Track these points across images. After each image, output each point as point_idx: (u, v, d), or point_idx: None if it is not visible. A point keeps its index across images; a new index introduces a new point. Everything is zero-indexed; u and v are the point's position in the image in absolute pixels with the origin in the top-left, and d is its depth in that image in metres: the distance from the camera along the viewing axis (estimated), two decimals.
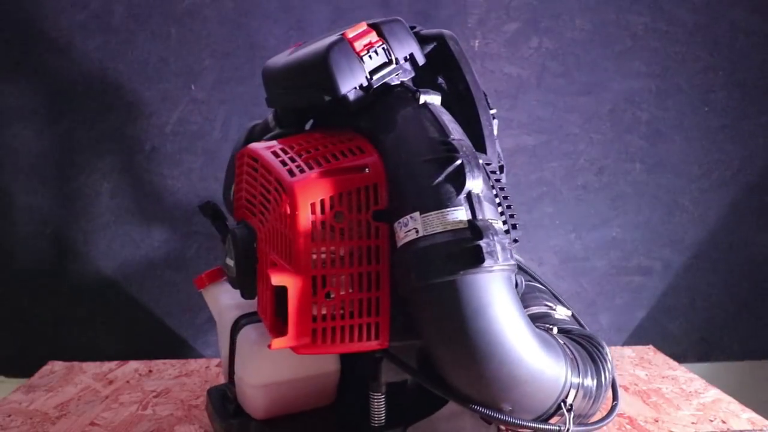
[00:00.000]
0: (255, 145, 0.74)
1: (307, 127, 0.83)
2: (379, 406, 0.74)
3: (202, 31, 1.23)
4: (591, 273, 1.32)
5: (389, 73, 0.71)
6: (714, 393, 1.01)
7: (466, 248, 0.61)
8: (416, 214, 0.63)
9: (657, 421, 0.91)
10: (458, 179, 0.63)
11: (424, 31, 0.79)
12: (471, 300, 0.61)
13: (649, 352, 1.23)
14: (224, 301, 0.88)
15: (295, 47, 0.84)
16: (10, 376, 1.28)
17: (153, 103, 1.23)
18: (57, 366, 1.16)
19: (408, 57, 0.72)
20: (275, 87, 0.81)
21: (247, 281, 0.72)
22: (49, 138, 1.24)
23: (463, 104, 0.77)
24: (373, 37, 0.71)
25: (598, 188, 1.31)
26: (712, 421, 0.91)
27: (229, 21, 1.23)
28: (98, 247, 1.26)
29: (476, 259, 0.61)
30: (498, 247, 0.61)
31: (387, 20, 0.73)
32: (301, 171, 0.66)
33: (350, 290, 0.65)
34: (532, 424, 0.65)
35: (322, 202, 0.64)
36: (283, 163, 0.67)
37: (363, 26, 0.71)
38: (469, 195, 0.64)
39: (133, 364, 1.16)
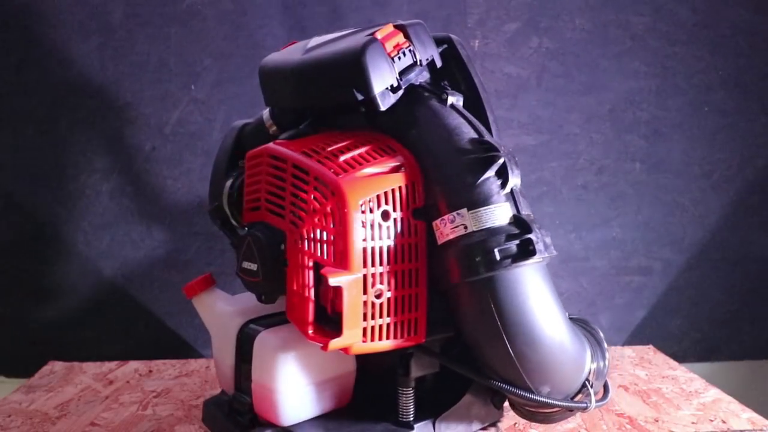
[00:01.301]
0: (275, 146, 0.73)
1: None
2: (407, 400, 0.76)
3: (202, 31, 1.22)
4: (591, 273, 1.32)
5: (415, 75, 0.72)
6: (714, 393, 1.01)
7: (520, 241, 0.66)
8: (464, 211, 0.66)
9: (657, 420, 0.91)
10: (503, 176, 0.67)
11: (432, 34, 0.79)
12: (523, 290, 0.66)
13: (649, 351, 1.22)
14: (222, 308, 0.86)
15: (289, 46, 0.83)
16: (10, 376, 1.28)
17: (153, 103, 1.23)
18: (57, 366, 1.16)
19: (429, 59, 0.74)
20: (285, 86, 0.79)
21: (272, 285, 0.71)
22: (48, 138, 1.23)
23: (465, 105, 0.78)
24: (400, 38, 0.72)
25: (598, 188, 1.30)
26: (712, 420, 0.91)
27: (229, 21, 1.23)
28: (98, 248, 1.26)
29: (529, 251, 0.65)
30: (546, 239, 0.68)
31: (412, 23, 0.74)
32: (344, 171, 0.67)
33: (394, 288, 0.67)
34: (565, 403, 0.71)
35: (370, 200, 0.66)
36: (321, 163, 0.68)
37: (390, 27, 0.72)
38: (512, 191, 0.68)
39: (133, 364, 1.16)
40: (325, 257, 0.65)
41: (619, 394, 1.00)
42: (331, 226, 0.65)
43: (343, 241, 0.64)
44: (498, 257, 0.65)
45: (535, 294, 0.66)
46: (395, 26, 0.73)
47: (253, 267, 0.71)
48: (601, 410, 0.93)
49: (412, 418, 0.76)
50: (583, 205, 1.31)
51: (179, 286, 1.24)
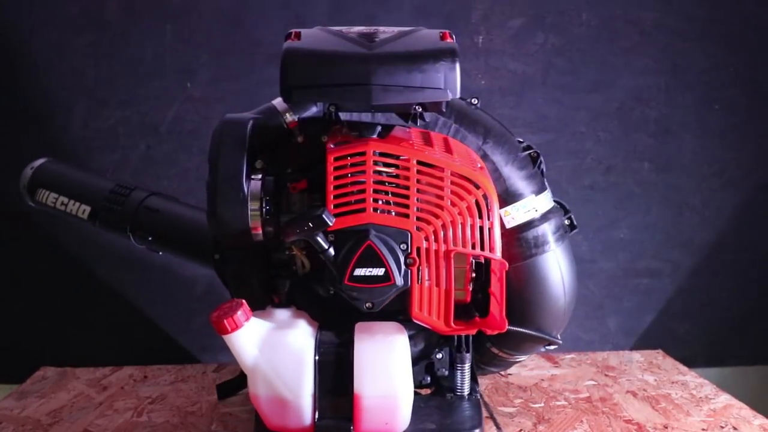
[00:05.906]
0: (385, 144, 0.73)
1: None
2: (464, 375, 0.83)
3: (199, 27, 1.22)
4: (598, 275, 1.32)
5: None
6: (725, 398, 1.00)
7: (567, 218, 0.85)
8: (532, 197, 0.81)
9: (666, 427, 0.90)
10: (541, 168, 0.84)
11: None
12: (571, 256, 0.84)
13: (658, 356, 1.21)
14: (284, 334, 0.73)
15: (295, 37, 0.80)
16: (2, 382, 1.27)
17: (148, 101, 1.23)
18: (49, 372, 1.15)
19: None
20: (357, 79, 0.72)
21: (399, 288, 0.72)
22: (40, 137, 1.23)
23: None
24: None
25: (605, 188, 1.31)
26: (723, 427, 0.90)
27: (226, 17, 1.22)
28: (92, 250, 1.25)
29: (574, 225, 0.85)
30: None
31: (448, 32, 0.80)
32: (470, 166, 0.73)
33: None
34: (559, 340, 0.87)
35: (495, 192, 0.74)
36: (447, 159, 0.73)
37: (446, 34, 0.76)
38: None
39: (127, 370, 1.15)
40: (470, 248, 0.71)
41: (627, 399, 1.00)
42: (477, 217, 0.72)
43: (491, 229, 0.72)
44: (564, 231, 0.83)
45: (573, 260, 0.84)
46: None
47: (379, 272, 0.71)
48: (609, 416, 0.94)
49: (469, 390, 0.83)
50: (590, 205, 1.30)
51: (175, 289, 1.26)
